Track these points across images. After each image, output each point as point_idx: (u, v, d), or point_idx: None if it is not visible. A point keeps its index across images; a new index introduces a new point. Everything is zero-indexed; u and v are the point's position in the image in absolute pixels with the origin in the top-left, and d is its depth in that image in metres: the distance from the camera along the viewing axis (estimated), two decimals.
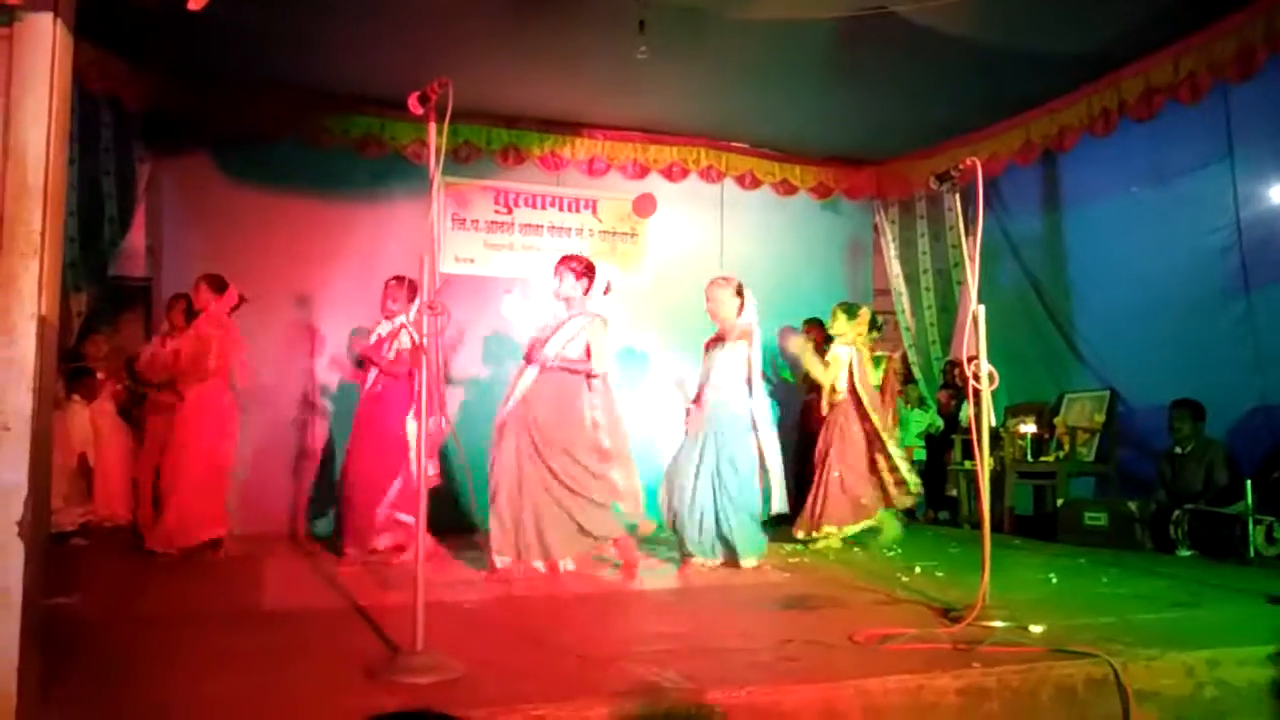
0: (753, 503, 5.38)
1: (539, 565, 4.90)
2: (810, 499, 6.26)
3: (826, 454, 6.29)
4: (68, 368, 6.03)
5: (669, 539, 5.73)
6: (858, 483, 6.19)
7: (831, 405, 6.38)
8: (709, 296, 5.59)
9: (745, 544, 5.29)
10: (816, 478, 6.29)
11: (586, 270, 5.22)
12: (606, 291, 5.41)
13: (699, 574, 5.19)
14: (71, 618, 3.63)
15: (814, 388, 6.74)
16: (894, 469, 6.29)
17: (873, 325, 6.58)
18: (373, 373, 5.73)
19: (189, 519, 5.51)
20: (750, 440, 5.44)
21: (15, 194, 2.29)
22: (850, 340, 6.40)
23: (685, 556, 5.39)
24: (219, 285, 5.82)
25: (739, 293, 5.55)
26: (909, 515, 6.98)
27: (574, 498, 4.91)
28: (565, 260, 5.25)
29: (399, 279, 5.81)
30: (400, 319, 5.69)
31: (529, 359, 5.12)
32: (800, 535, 6.16)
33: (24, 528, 2.24)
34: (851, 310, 6.54)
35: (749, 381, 5.47)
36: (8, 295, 2.25)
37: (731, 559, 5.31)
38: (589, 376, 5.08)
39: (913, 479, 6.32)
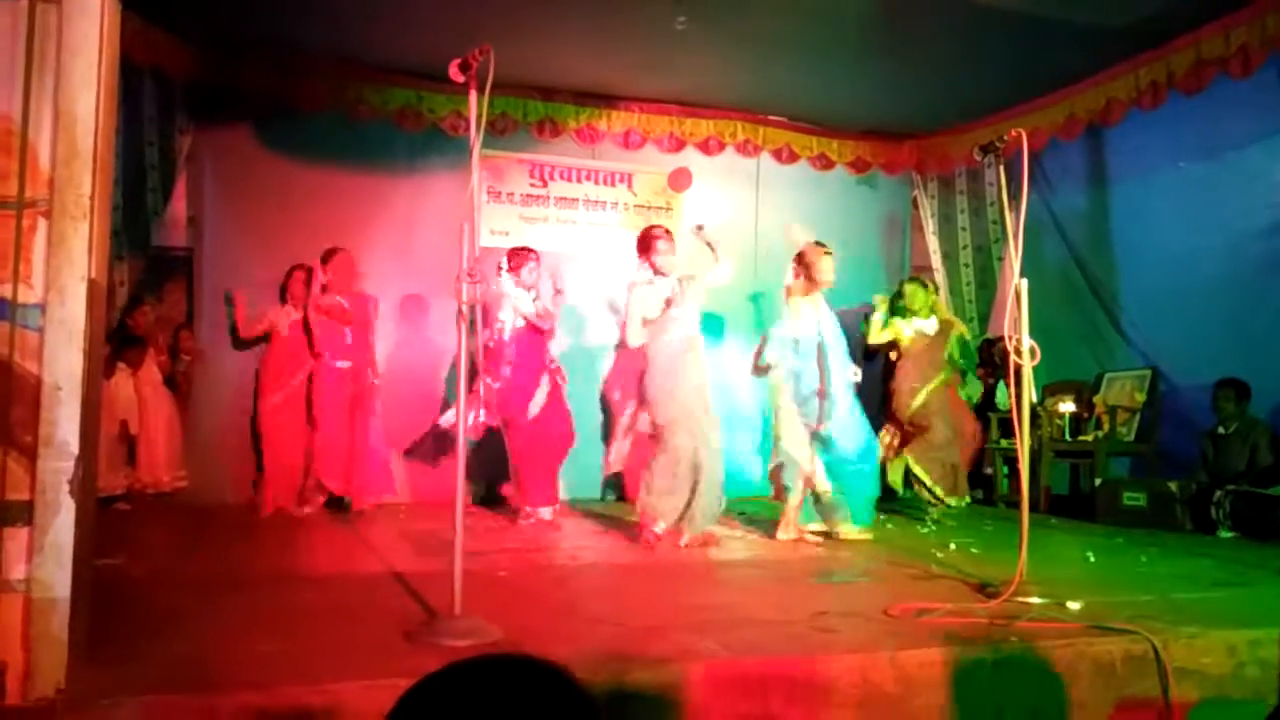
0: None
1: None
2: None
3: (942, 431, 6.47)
4: (117, 336, 6.15)
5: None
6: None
7: None
8: (820, 265, 5.46)
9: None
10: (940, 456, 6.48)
11: (666, 234, 5.35)
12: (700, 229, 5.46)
13: (739, 546, 5.22)
14: (117, 578, 3.71)
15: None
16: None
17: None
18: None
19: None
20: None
21: (65, 157, 2.33)
22: (941, 312, 6.69)
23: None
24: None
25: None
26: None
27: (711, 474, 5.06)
28: (656, 238, 5.32)
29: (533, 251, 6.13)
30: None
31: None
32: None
33: (74, 486, 2.29)
34: (924, 283, 6.81)
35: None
36: (59, 257, 2.29)
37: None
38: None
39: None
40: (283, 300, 6.44)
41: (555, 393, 6.04)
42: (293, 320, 6.37)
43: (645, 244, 5.31)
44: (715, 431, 5.16)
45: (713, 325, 7.46)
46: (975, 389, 8.02)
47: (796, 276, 5.51)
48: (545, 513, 5.90)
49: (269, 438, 6.23)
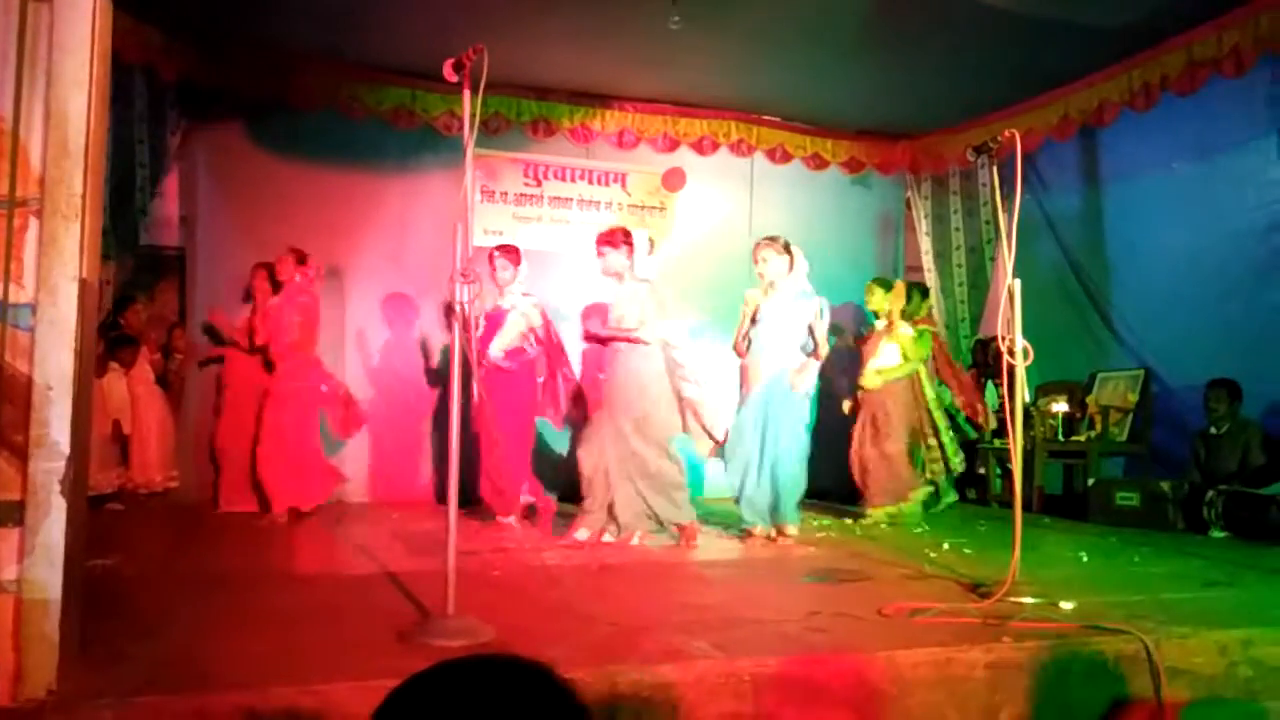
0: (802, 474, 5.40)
1: (609, 538, 5.07)
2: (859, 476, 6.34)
3: (875, 430, 6.29)
4: (109, 335, 6.14)
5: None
6: (902, 462, 6.26)
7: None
8: (757, 258, 5.47)
9: (792, 514, 5.33)
10: (862, 454, 6.34)
11: (625, 239, 5.23)
12: (651, 250, 5.46)
13: (732, 546, 5.23)
14: (109, 578, 3.70)
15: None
16: (940, 448, 6.50)
17: (909, 296, 6.60)
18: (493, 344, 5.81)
19: (306, 484, 5.94)
20: (804, 408, 5.44)
21: (56, 156, 2.31)
22: (891, 314, 6.46)
23: (747, 529, 5.38)
24: (302, 257, 6.07)
25: (787, 250, 5.46)
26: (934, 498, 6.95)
27: (643, 478, 5.00)
28: (601, 239, 5.26)
29: (505, 248, 6.02)
30: (512, 291, 5.93)
31: (597, 339, 5.26)
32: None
33: (65, 486, 2.28)
34: (887, 284, 6.59)
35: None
36: (49, 256, 2.28)
37: (780, 529, 5.33)
38: (636, 342, 5.07)
39: (956, 460, 6.50)
40: (248, 299, 6.38)
41: (510, 376, 5.84)
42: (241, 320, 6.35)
43: (630, 241, 5.28)
44: (648, 431, 5.03)
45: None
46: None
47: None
48: (513, 519, 5.80)
49: (218, 434, 6.25)
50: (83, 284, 2.32)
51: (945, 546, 5.10)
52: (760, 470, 5.30)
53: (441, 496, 6.74)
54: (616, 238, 5.22)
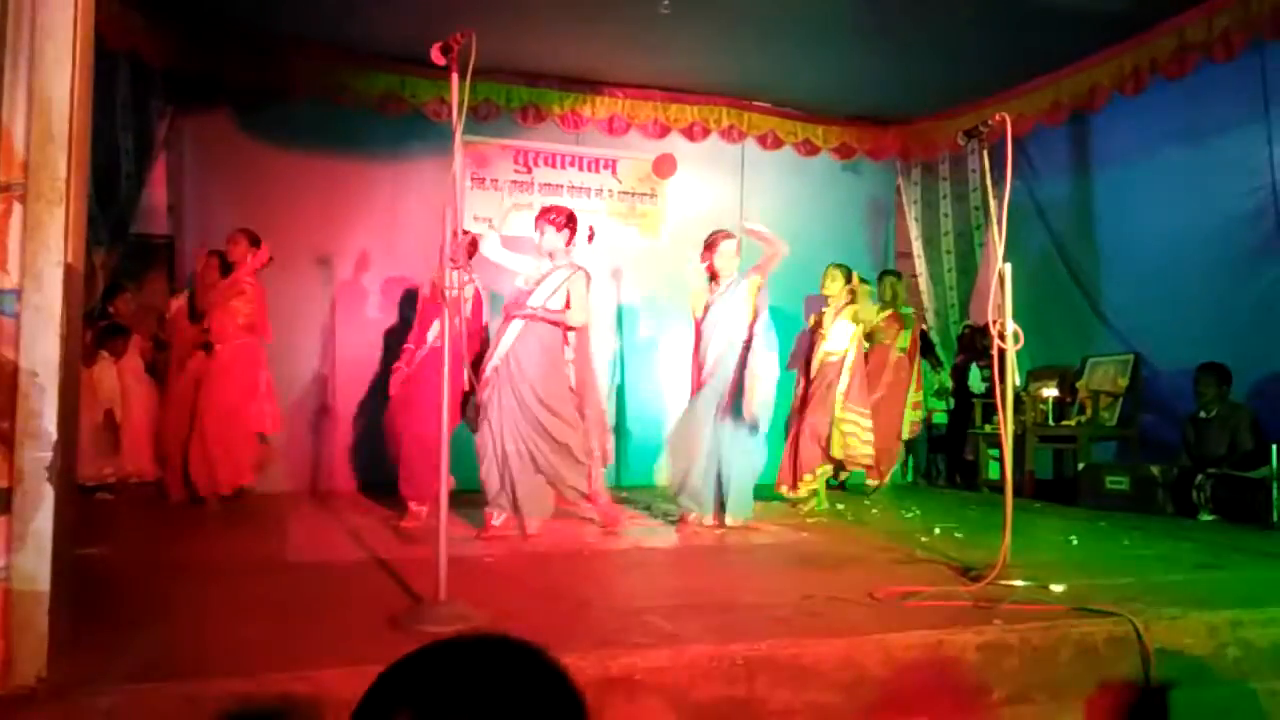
0: (752, 463, 5.35)
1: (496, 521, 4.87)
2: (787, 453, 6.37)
3: (802, 409, 6.37)
4: (99, 325, 6.09)
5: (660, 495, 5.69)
6: (821, 434, 6.30)
7: (822, 364, 6.46)
8: (716, 251, 5.47)
9: (736, 503, 5.25)
10: (792, 432, 6.41)
11: (568, 222, 5.08)
12: (590, 239, 5.40)
13: (710, 532, 5.19)
14: (100, 567, 3.68)
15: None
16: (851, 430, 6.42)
17: (880, 282, 6.72)
18: (433, 329, 5.32)
19: (220, 468, 5.70)
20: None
21: (40, 141, 2.29)
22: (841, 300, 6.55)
23: (683, 514, 5.35)
24: (255, 239, 5.91)
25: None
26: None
27: (554, 453, 4.84)
28: (544, 213, 5.12)
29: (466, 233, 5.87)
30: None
31: (509, 313, 5.05)
32: (785, 493, 6.25)
33: (53, 473, 2.26)
34: (847, 273, 6.65)
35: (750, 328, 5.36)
36: (34, 242, 2.26)
37: (721, 516, 5.26)
38: (566, 329, 4.98)
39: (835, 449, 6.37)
40: (191, 286, 6.25)
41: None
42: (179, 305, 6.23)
43: (573, 224, 5.15)
44: (554, 401, 4.86)
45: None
46: (938, 378, 7.94)
47: (702, 260, 5.52)
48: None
49: (162, 420, 6.15)
50: (68, 269, 2.30)
51: (936, 531, 5.12)
52: (709, 460, 5.25)
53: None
54: (560, 219, 5.06)
